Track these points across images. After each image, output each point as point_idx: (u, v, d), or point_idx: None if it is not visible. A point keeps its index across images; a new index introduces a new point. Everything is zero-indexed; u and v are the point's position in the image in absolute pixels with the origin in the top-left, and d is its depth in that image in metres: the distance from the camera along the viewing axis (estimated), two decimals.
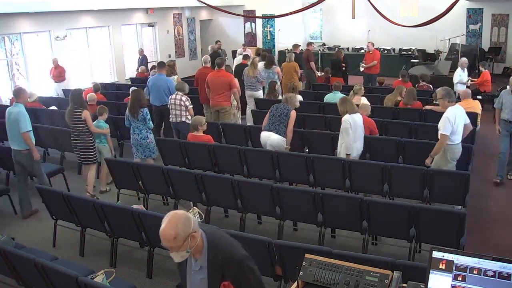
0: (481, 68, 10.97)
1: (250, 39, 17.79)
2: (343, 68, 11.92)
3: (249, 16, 17.32)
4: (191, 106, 7.35)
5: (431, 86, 10.04)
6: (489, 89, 10.83)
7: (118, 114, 8.57)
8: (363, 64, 12.11)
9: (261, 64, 9.98)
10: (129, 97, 9.15)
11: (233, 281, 2.35)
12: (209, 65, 8.92)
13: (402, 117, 7.60)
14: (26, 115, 5.74)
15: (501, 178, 6.61)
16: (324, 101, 8.70)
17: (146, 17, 15.19)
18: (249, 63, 9.60)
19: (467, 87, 10.05)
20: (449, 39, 14.24)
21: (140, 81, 11.95)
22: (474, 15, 15.17)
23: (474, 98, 8.71)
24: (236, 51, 13.51)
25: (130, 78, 13.34)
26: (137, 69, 13.91)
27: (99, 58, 14.05)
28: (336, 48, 16.48)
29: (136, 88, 7.44)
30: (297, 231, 5.33)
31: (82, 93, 6.83)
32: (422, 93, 9.21)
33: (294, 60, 10.67)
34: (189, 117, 7.19)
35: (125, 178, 5.81)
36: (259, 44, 17.55)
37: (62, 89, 11.68)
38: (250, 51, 12.52)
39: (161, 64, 8.53)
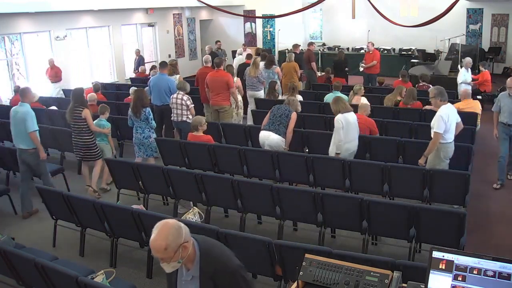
0: (481, 68, 10.98)
1: (250, 39, 17.79)
2: (347, 69, 11.95)
3: (249, 16, 17.32)
4: (192, 105, 7.38)
5: (431, 86, 10.03)
6: (489, 89, 10.84)
7: (118, 114, 8.58)
8: (363, 64, 12.12)
9: (261, 64, 9.99)
10: (129, 97, 9.25)
11: None
12: (209, 64, 8.93)
13: (402, 117, 7.60)
14: (33, 114, 5.79)
15: (501, 182, 6.57)
16: (324, 101, 8.70)
17: (146, 17, 15.19)
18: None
19: (474, 89, 9.96)
20: (449, 39, 14.24)
21: (140, 81, 11.95)
22: (474, 15, 15.17)
23: (474, 98, 8.71)
24: (236, 51, 13.51)
25: (130, 78, 13.34)
26: (134, 69, 13.87)
27: (99, 58, 14.04)
28: (337, 48, 16.51)
29: (138, 87, 7.46)
30: (297, 231, 5.33)
31: (84, 91, 6.88)
32: (422, 93, 9.20)
33: (294, 60, 10.68)
34: (190, 117, 7.24)
35: (125, 178, 5.81)
36: (259, 44, 17.55)
37: (62, 89, 11.68)
38: (250, 51, 12.52)
39: (162, 64, 8.55)
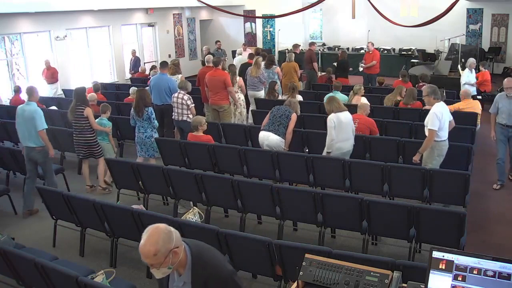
0: (481, 68, 10.96)
1: (250, 39, 17.79)
2: (351, 69, 11.96)
3: (249, 16, 17.32)
4: (193, 105, 7.42)
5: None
6: (489, 89, 10.83)
7: (118, 114, 8.59)
8: (362, 64, 12.13)
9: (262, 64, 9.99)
10: (129, 97, 9.27)
11: None
12: (211, 64, 8.94)
13: (402, 117, 7.61)
14: (41, 112, 5.88)
15: (501, 183, 6.56)
16: (324, 101, 8.68)
17: (146, 17, 15.19)
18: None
19: (479, 91, 9.88)
20: (449, 39, 14.23)
21: (140, 81, 11.96)
22: (474, 15, 15.17)
23: (474, 98, 8.71)
24: (236, 51, 13.50)
25: (130, 78, 13.34)
26: (130, 70, 13.81)
27: (99, 58, 14.05)
28: (337, 48, 16.51)
29: (140, 87, 7.48)
30: (297, 231, 5.33)
31: (86, 90, 6.93)
32: (422, 93, 9.20)
33: (294, 60, 10.68)
34: (191, 116, 7.27)
35: (125, 178, 5.81)
36: (259, 44, 17.55)
37: (62, 89, 11.69)
38: (250, 51, 12.52)
39: (163, 64, 8.59)
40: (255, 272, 4.21)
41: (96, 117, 6.79)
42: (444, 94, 8.28)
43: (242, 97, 8.87)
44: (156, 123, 6.63)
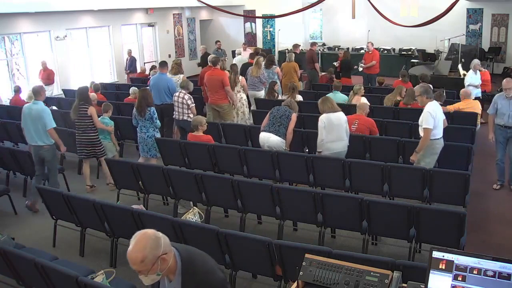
0: (481, 69, 10.95)
1: (250, 39, 17.78)
2: (355, 67, 11.97)
3: (249, 16, 17.32)
4: (193, 104, 7.45)
5: (430, 85, 10.02)
6: (489, 89, 10.83)
7: (118, 114, 8.59)
8: (362, 64, 12.13)
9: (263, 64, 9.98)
10: (129, 97, 9.28)
11: None
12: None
13: (402, 117, 7.60)
14: (49, 111, 5.98)
15: (501, 183, 6.55)
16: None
17: (146, 17, 15.19)
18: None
19: (484, 93, 9.77)
20: (449, 39, 14.24)
21: (140, 81, 11.96)
22: (474, 15, 15.17)
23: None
24: (236, 51, 13.50)
25: (131, 78, 13.34)
26: (126, 70, 13.73)
27: (99, 58, 14.04)
28: (337, 49, 16.51)
29: (143, 87, 7.51)
30: (297, 231, 5.33)
31: (88, 90, 6.97)
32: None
33: (294, 60, 10.68)
34: (191, 115, 7.31)
35: (125, 178, 5.81)
36: (259, 44, 17.55)
37: (62, 89, 11.69)
38: (251, 51, 12.52)
39: (162, 64, 8.61)
40: (255, 272, 4.21)
41: (97, 117, 6.81)
42: (444, 94, 8.27)
43: (244, 96, 8.85)
44: (158, 123, 6.65)
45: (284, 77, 10.39)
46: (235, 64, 9.28)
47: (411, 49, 15.38)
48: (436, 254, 2.29)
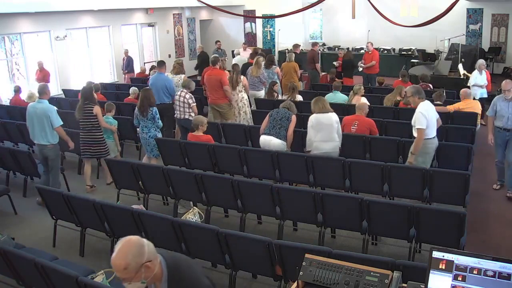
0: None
1: (250, 39, 17.79)
2: (359, 67, 11.98)
3: (249, 16, 17.31)
4: (194, 104, 7.48)
5: (430, 85, 10.04)
6: (489, 89, 10.81)
7: (118, 114, 8.58)
8: (362, 64, 12.14)
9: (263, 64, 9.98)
10: (129, 97, 9.30)
11: None
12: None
13: (402, 117, 7.59)
14: (55, 109, 6.03)
15: (501, 183, 6.52)
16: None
17: (146, 17, 15.19)
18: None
19: (490, 94, 9.73)
20: (449, 39, 14.24)
21: (140, 81, 11.96)
22: (474, 15, 15.17)
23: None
24: (234, 51, 13.49)
25: (130, 78, 13.34)
26: (123, 70, 13.64)
27: (99, 58, 14.04)
28: (337, 48, 16.50)
29: (143, 87, 7.53)
30: (297, 231, 5.33)
31: (93, 89, 6.99)
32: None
33: (295, 60, 10.68)
34: (193, 114, 7.35)
35: (125, 178, 5.80)
36: (259, 44, 17.55)
37: (62, 89, 11.68)
38: (250, 51, 12.52)
39: (160, 63, 8.65)
40: (255, 272, 4.21)
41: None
42: (444, 94, 8.27)
43: (246, 96, 8.85)
44: (160, 123, 6.68)
45: (284, 77, 10.39)
46: (236, 64, 9.28)
47: (411, 49, 15.38)
48: (436, 254, 2.29)
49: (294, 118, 6.16)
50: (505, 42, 14.91)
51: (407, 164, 5.59)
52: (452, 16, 13.16)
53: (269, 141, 6.09)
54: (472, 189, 5.43)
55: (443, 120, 7.37)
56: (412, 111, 7.69)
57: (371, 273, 2.46)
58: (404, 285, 2.46)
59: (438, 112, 7.46)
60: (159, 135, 6.71)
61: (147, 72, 12.90)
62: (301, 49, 13.34)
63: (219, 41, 14.72)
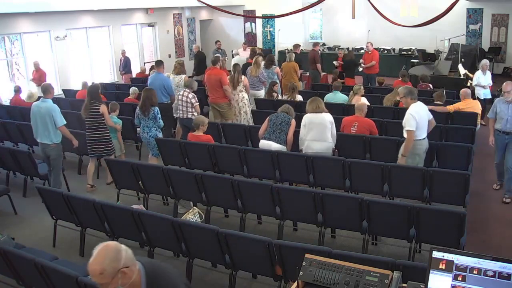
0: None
1: (250, 39, 17.78)
2: (361, 67, 11.99)
3: (249, 16, 17.31)
4: (197, 103, 7.55)
5: (430, 85, 10.05)
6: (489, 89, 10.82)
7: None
8: (362, 64, 12.14)
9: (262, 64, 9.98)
10: (129, 97, 9.31)
11: None
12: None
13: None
14: (59, 109, 6.09)
15: (501, 182, 6.50)
16: (324, 101, 8.68)
17: (146, 17, 15.18)
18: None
19: (493, 95, 9.67)
20: (449, 39, 14.23)
21: (140, 81, 11.96)
22: (474, 15, 15.17)
23: (473, 98, 8.69)
24: (233, 51, 13.47)
25: (130, 78, 13.35)
26: (121, 70, 13.56)
27: (99, 58, 14.04)
28: (337, 48, 16.51)
29: (147, 87, 7.55)
30: (297, 231, 5.33)
31: (99, 88, 7.04)
32: (422, 93, 9.21)
33: (295, 60, 10.68)
34: (196, 114, 7.41)
35: (125, 178, 5.81)
36: (259, 44, 17.54)
37: (62, 89, 11.68)
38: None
39: (158, 63, 8.71)
40: (255, 272, 4.21)
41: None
42: (444, 94, 8.27)
43: (246, 96, 8.85)
44: (161, 122, 6.70)
45: (284, 77, 10.39)
46: (237, 64, 9.29)
47: (411, 49, 15.38)
48: (436, 254, 2.29)
49: (293, 122, 6.17)
50: (505, 42, 14.91)
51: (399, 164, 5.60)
52: (452, 16, 13.15)
53: (269, 146, 6.09)
54: (472, 189, 5.43)
55: (443, 120, 7.40)
56: None
57: (371, 273, 2.46)
58: (404, 285, 2.46)
59: (438, 112, 7.52)
60: (160, 135, 6.74)
61: (147, 72, 12.88)
62: (301, 49, 13.33)
63: (219, 41, 14.72)
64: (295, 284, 2.59)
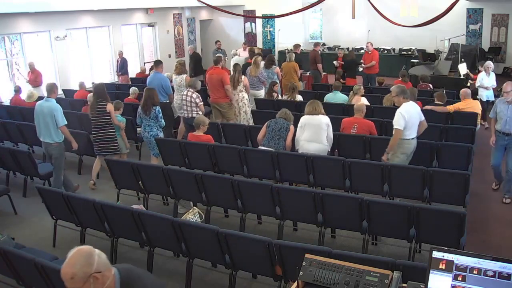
0: (480, 68, 10.95)
1: (250, 39, 17.78)
2: (361, 68, 11.99)
3: (249, 16, 17.31)
4: (201, 103, 7.60)
5: (430, 85, 10.05)
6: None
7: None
8: (362, 65, 12.14)
9: (261, 64, 9.98)
10: (129, 97, 9.33)
11: None
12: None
13: None
14: (61, 109, 6.11)
15: (499, 182, 6.44)
16: (324, 101, 8.70)
17: (146, 17, 15.18)
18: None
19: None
20: (449, 39, 14.23)
21: (140, 81, 11.96)
22: (474, 15, 15.17)
23: (474, 98, 8.68)
24: (231, 51, 13.43)
25: (130, 78, 13.35)
26: (117, 72, 13.50)
27: (99, 58, 14.04)
28: (337, 48, 16.51)
29: (149, 87, 7.57)
30: (297, 231, 5.33)
31: (105, 87, 7.08)
32: (422, 93, 9.22)
33: (295, 60, 10.68)
34: (200, 113, 7.48)
35: (125, 178, 5.81)
36: (259, 44, 17.55)
37: (62, 89, 11.66)
38: None
39: (157, 63, 8.75)
40: (255, 272, 4.21)
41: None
42: (444, 94, 8.27)
43: (246, 96, 8.85)
44: (163, 122, 6.74)
45: (284, 77, 10.39)
46: (238, 64, 9.29)
47: (411, 49, 15.38)
48: (436, 254, 2.29)
49: (292, 128, 6.17)
50: (505, 42, 14.91)
51: (382, 160, 5.71)
52: (452, 16, 13.15)
53: None
54: (472, 189, 5.43)
55: (443, 120, 7.41)
56: None
57: (371, 273, 2.46)
58: (404, 285, 2.47)
59: (438, 112, 7.52)
60: (161, 134, 6.78)
61: (147, 72, 12.88)
62: (302, 49, 13.33)
63: (219, 41, 14.72)
64: (295, 284, 2.59)
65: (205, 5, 15.63)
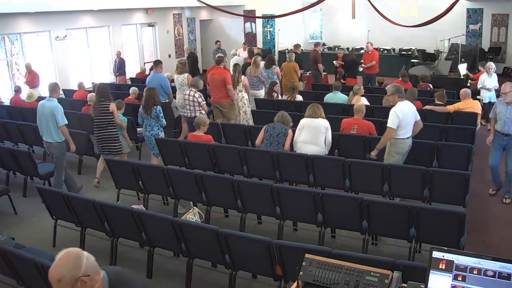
0: (480, 68, 10.94)
1: (250, 39, 17.79)
2: (361, 68, 11.99)
3: (249, 16, 17.31)
4: (204, 102, 7.64)
5: (430, 85, 10.04)
6: None
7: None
8: (362, 65, 12.14)
9: (261, 64, 9.99)
10: (129, 97, 9.34)
11: None
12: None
13: None
14: (62, 109, 6.12)
15: (497, 187, 6.35)
16: (324, 101, 8.71)
17: (146, 17, 15.18)
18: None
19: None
20: (449, 39, 14.23)
21: (140, 81, 11.96)
22: (474, 15, 15.18)
23: (474, 98, 8.68)
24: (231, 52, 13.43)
25: (130, 78, 13.35)
26: (115, 72, 13.45)
27: (99, 58, 14.03)
28: (337, 48, 16.51)
29: (150, 87, 7.58)
30: (297, 231, 5.33)
31: (108, 86, 7.12)
32: (422, 93, 9.22)
33: (295, 60, 10.68)
34: (203, 112, 7.52)
35: (125, 178, 5.81)
36: (259, 44, 17.56)
37: (62, 89, 11.65)
38: None
39: (156, 63, 8.76)
40: (255, 272, 4.21)
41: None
42: (444, 94, 8.27)
43: (246, 96, 8.85)
44: (164, 121, 6.75)
45: (284, 77, 10.39)
46: (238, 64, 9.29)
47: (411, 49, 15.39)
48: (436, 254, 2.29)
49: (290, 132, 6.16)
50: (505, 42, 14.91)
51: (371, 157, 5.77)
52: (452, 16, 13.15)
53: None
54: (472, 189, 5.43)
55: (443, 120, 7.41)
56: None
57: (371, 273, 2.46)
58: (404, 285, 2.47)
59: (438, 112, 7.52)
60: (162, 134, 6.79)
61: (147, 72, 12.87)
62: (302, 49, 13.33)
63: (219, 41, 14.72)
64: (295, 284, 2.59)
65: (205, 5, 15.63)
